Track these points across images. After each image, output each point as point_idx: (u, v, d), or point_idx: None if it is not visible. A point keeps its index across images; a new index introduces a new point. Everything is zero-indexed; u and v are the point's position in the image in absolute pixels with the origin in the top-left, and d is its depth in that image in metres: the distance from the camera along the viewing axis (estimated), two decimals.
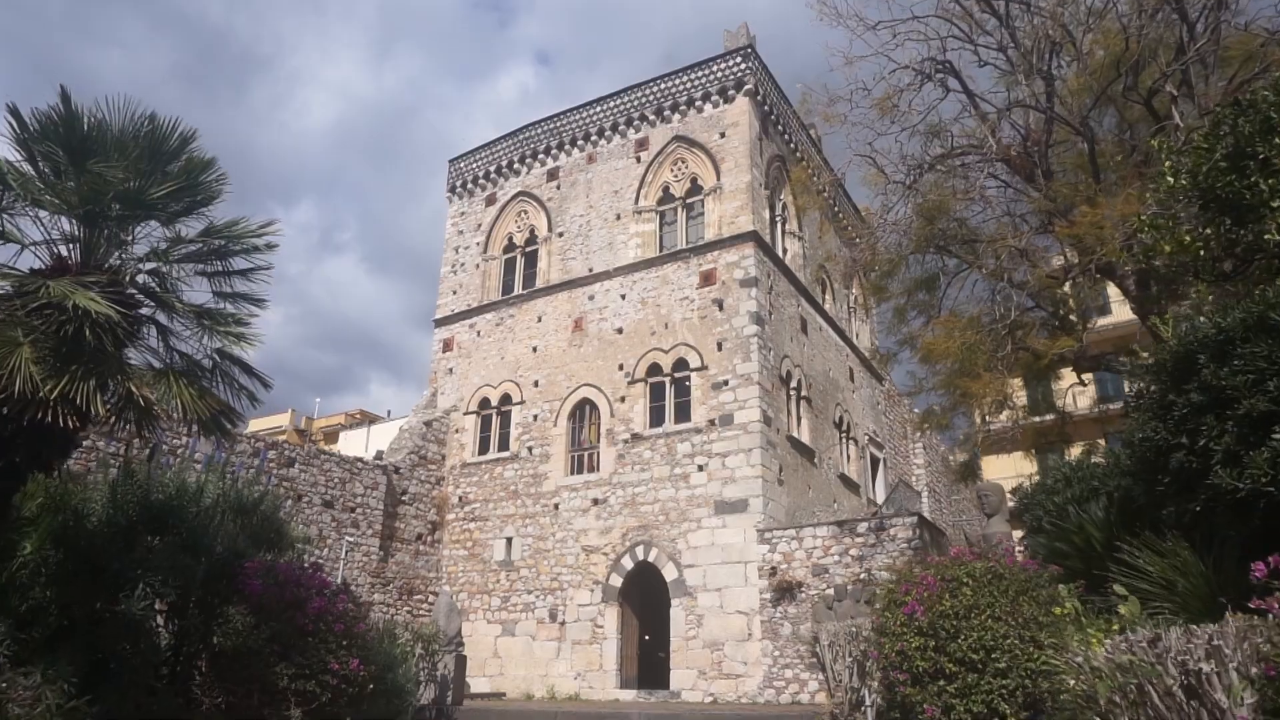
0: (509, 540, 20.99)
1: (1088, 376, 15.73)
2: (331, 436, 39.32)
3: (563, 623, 19.39)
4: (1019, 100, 13.24)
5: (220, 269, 6.28)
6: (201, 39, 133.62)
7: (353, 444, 35.21)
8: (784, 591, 16.79)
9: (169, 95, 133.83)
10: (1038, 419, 17.52)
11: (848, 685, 7.61)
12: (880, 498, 25.73)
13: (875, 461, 26.46)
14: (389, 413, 43.41)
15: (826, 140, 24.97)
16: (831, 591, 16.27)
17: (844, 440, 24.09)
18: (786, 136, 23.79)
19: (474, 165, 26.10)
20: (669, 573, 18.39)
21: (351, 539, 19.61)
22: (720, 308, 19.95)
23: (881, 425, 27.89)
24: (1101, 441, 20.38)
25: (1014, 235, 12.50)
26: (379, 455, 21.59)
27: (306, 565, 6.16)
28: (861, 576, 16.12)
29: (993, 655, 7.16)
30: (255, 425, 37.41)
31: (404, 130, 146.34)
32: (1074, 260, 12.87)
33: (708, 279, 20.41)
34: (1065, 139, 14.33)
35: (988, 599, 7.40)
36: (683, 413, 19.74)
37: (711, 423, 19.06)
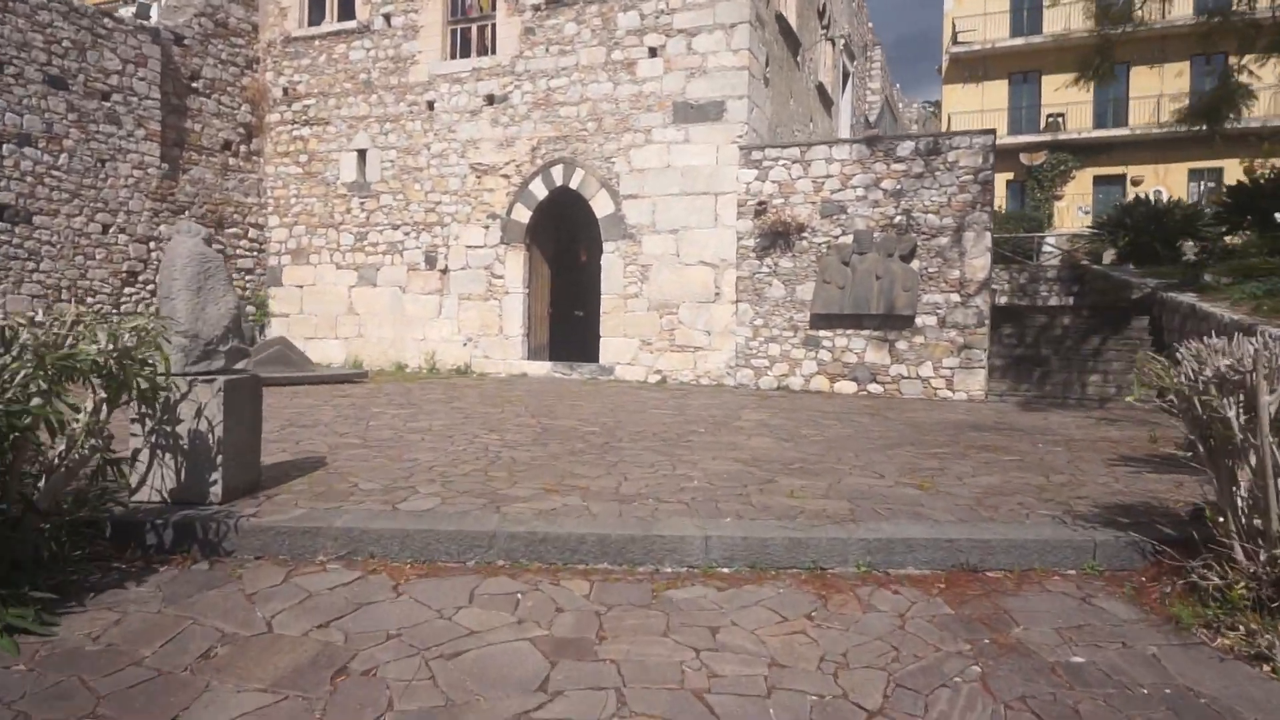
0: (361, 154, 14.55)
1: None
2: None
3: (445, 270, 13.87)
4: None
5: None
6: None
7: None
8: (776, 236, 11.62)
9: None
10: None
11: None
12: (848, 119, 20.30)
13: (845, 76, 20.56)
14: None
15: None
16: (850, 239, 11.23)
17: (822, 39, 17.86)
18: None
19: None
20: (601, 205, 12.80)
21: (110, 141, 12.66)
22: None
23: (855, 30, 21.58)
24: None
25: None
26: (143, 11, 13.77)
27: None
28: (897, 220, 11.06)
29: None
30: None
31: None
32: None
33: None
34: None
35: None
36: None
37: None
